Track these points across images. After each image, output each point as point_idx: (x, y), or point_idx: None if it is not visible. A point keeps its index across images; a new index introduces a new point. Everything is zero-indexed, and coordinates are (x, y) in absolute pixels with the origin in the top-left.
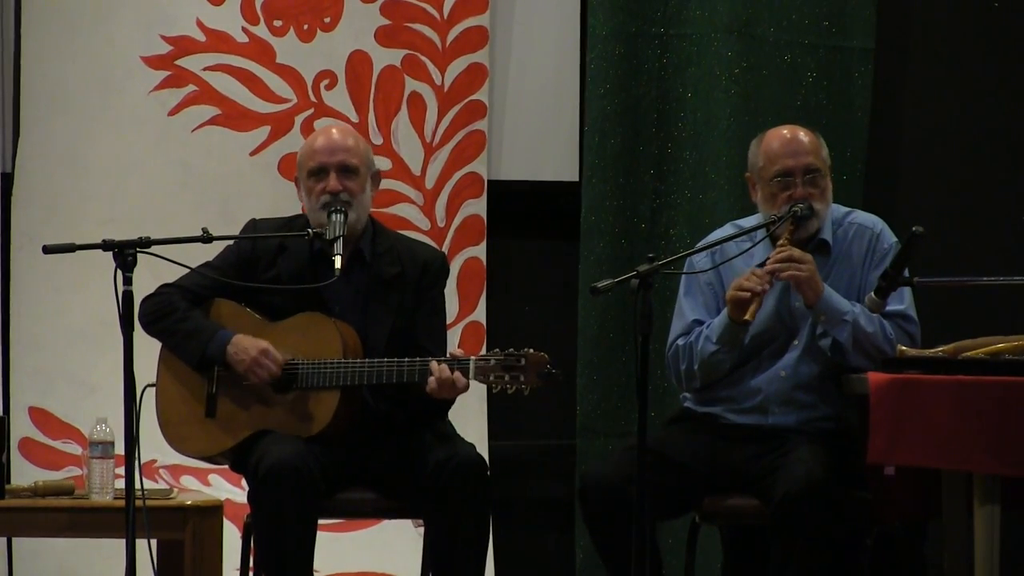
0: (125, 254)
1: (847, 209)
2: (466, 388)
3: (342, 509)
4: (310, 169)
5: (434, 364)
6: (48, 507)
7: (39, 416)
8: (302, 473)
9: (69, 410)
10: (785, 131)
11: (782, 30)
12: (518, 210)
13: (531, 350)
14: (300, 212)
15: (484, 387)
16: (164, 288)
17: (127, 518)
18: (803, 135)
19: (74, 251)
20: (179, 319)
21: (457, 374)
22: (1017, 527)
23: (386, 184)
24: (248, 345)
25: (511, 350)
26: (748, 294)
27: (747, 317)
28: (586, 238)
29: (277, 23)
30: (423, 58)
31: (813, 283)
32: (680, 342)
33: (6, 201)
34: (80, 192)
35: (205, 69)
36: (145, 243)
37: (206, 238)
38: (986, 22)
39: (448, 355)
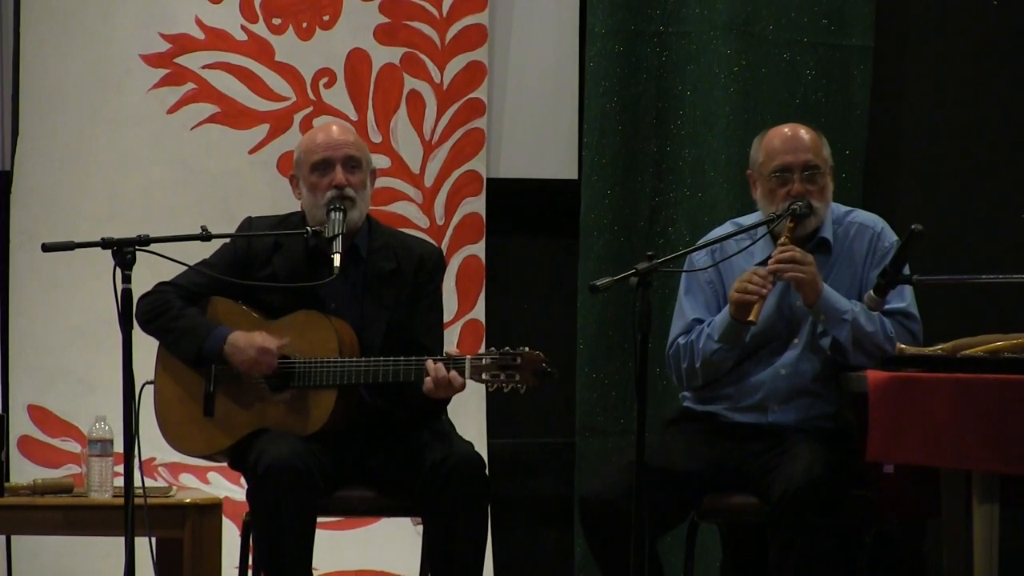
0: (124, 252)
1: (847, 208)
2: (463, 387)
3: (341, 507)
4: (313, 163)
5: (430, 363)
6: (47, 505)
7: (38, 414)
8: (301, 471)
9: (68, 408)
10: (786, 129)
11: (781, 28)
12: (517, 208)
13: (527, 349)
14: (295, 210)
15: (483, 385)
16: (160, 286)
17: (126, 516)
18: (804, 133)
19: (73, 249)
20: (175, 316)
21: (453, 373)
22: (1016, 525)
23: (385, 182)
24: (244, 345)
25: (507, 349)
26: (754, 297)
27: (751, 318)
28: (585, 236)
29: (276, 21)
30: (422, 56)
31: (814, 283)
32: (681, 340)
33: (5, 199)
34: (79, 190)
35: (204, 67)
36: (144, 241)
37: (205, 236)
38: (985, 20)
39: (444, 354)
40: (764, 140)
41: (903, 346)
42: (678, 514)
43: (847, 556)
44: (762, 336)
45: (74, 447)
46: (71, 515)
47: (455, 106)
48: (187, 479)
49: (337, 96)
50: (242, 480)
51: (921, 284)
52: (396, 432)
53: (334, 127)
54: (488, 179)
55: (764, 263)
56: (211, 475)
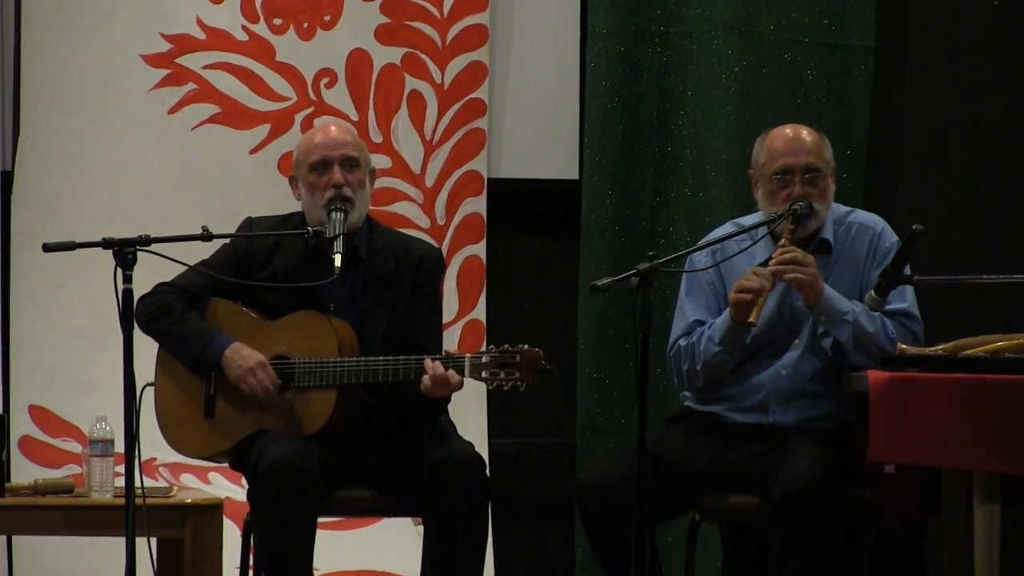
0: (125, 252)
1: (848, 208)
2: (460, 386)
3: (341, 507)
4: (312, 163)
5: (428, 362)
6: (48, 505)
7: (39, 414)
8: (301, 471)
9: (69, 408)
10: (788, 130)
11: (782, 28)
12: (518, 208)
13: (526, 346)
14: (296, 210)
15: (484, 385)
16: (160, 287)
17: (127, 516)
18: (806, 134)
19: (74, 249)
20: (176, 320)
21: (451, 371)
22: (1017, 525)
23: (386, 182)
24: (247, 355)
25: (506, 346)
26: (750, 295)
27: (751, 319)
28: (586, 236)
29: (277, 21)
30: (423, 56)
31: (815, 284)
32: (682, 342)
33: (6, 199)
34: (80, 190)
35: (205, 67)
36: (145, 241)
37: (206, 236)
38: (986, 20)
39: (443, 352)
40: (766, 141)
41: (904, 346)
42: (677, 505)
43: (848, 556)
44: (763, 337)
45: (75, 447)
46: (72, 515)
47: (456, 106)
48: (188, 479)
49: (338, 96)
50: (243, 480)
51: (922, 284)
52: (396, 432)
53: (332, 127)
54: (489, 179)
55: (765, 264)
56: (212, 475)
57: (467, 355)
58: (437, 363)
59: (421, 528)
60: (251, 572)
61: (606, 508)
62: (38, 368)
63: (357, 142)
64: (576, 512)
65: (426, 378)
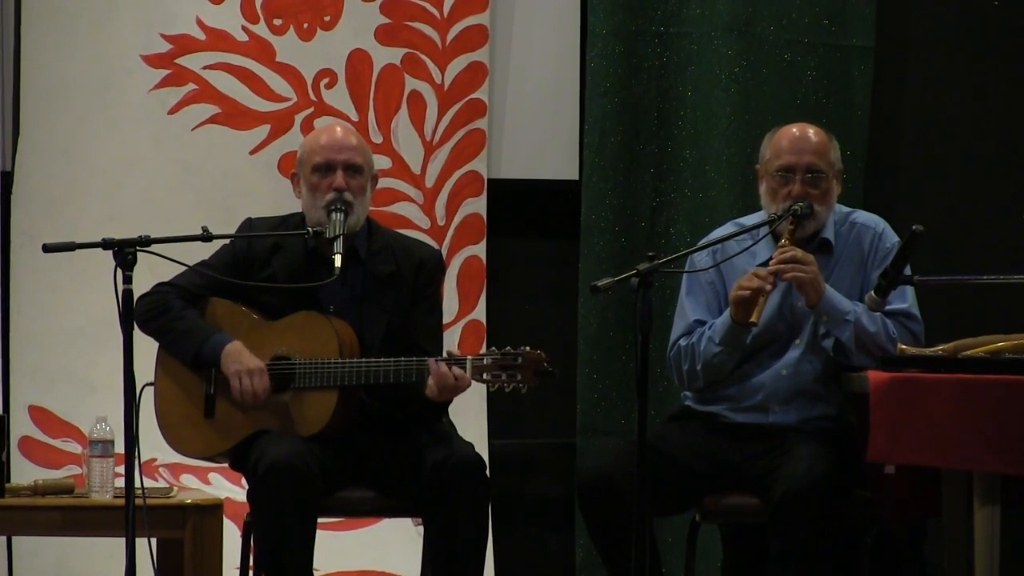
0: (125, 253)
1: (849, 209)
2: (468, 385)
3: (342, 507)
4: (315, 165)
5: (432, 365)
6: (48, 506)
7: (39, 415)
8: (302, 471)
9: (69, 409)
10: (795, 128)
11: (782, 29)
12: (518, 209)
13: (528, 348)
14: (296, 211)
15: (484, 385)
16: (160, 287)
17: (127, 517)
18: (813, 134)
19: (74, 250)
20: (174, 318)
21: (458, 371)
22: (1017, 526)
23: (386, 183)
24: (248, 357)
25: (508, 349)
26: (747, 293)
27: (752, 319)
28: (586, 237)
29: (277, 22)
30: (423, 57)
31: (816, 284)
32: (682, 342)
33: (6, 199)
34: (80, 190)
35: (205, 68)
36: (145, 242)
37: (206, 237)
38: (986, 20)
39: (445, 354)
40: (774, 138)
41: (904, 346)
42: (676, 502)
43: (848, 557)
44: (763, 337)
45: (75, 448)
46: (72, 516)
47: (456, 107)
48: (188, 480)
49: (338, 97)
50: (243, 481)
51: (922, 285)
52: (397, 433)
53: (339, 129)
54: (489, 180)
55: (765, 264)
56: (212, 476)
57: (469, 357)
58: (442, 365)
59: (421, 528)
60: (251, 572)
61: (606, 500)
62: (38, 368)
63: (362, 147)
64: (576, 506)
65: (432, 384)
